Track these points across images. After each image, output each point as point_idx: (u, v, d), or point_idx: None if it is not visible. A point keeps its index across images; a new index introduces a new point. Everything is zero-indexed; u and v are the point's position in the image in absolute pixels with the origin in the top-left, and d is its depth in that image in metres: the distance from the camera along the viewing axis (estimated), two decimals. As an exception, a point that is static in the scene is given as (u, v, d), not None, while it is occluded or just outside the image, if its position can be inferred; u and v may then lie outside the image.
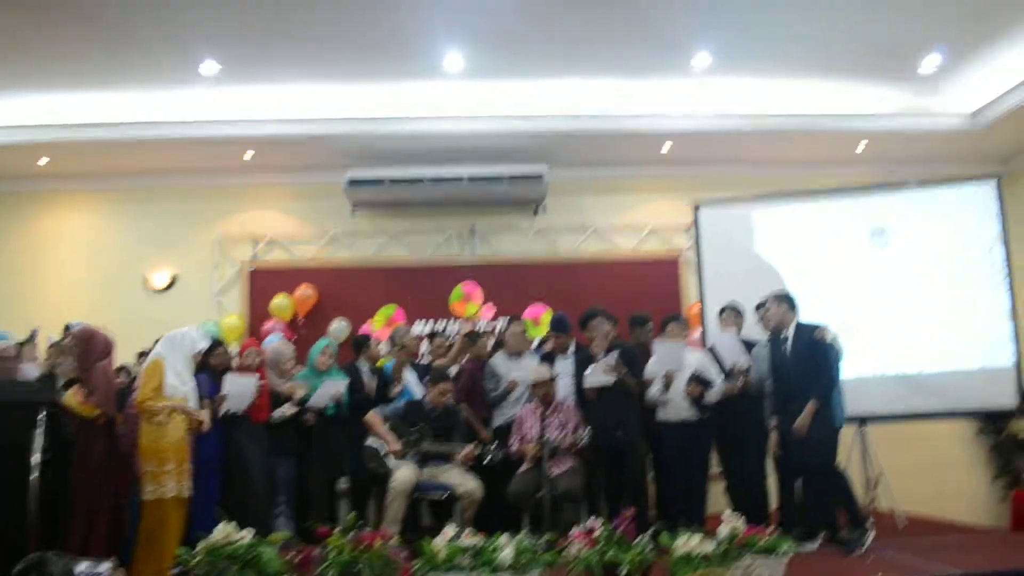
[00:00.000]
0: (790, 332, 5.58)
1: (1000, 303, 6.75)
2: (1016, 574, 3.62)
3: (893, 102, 7.94)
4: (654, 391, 5.82)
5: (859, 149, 8.41)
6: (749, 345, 6.04)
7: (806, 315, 5.66)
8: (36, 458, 4.80)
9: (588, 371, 5.73)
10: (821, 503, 5.54)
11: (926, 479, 7.47)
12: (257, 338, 7.26)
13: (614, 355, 5.71)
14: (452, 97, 7.62)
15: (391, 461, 5.78)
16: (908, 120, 8.05)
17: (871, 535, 5.25)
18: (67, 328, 5.84)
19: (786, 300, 5.65)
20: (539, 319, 8.02)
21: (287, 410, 5.77)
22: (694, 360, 5.90)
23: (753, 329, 6.20)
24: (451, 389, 6.05)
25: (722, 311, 6.30)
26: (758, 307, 6.09)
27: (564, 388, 6.05)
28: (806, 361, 5.43)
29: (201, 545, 4.14)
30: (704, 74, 7.39)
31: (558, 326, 6.34)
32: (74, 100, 7.39)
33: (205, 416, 5.21)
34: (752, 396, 5.88)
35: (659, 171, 8.74)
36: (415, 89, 7.53)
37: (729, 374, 5.88)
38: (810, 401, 5.30)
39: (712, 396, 5.80)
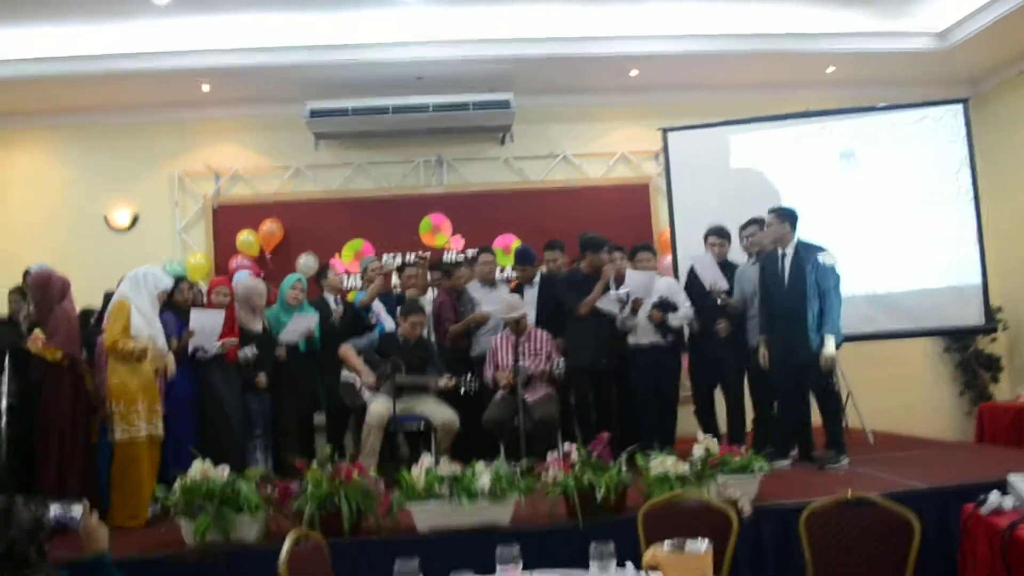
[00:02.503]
0: (789, 250, 5.51)
1: (967, 224, 6.81)
2: (984, 485, 3.71)
3: (861, 23, 7.84)
4: (620, 316, 5.84)
5: (828, 71, 8.34)
6: (731, 267, 6.04)
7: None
8: (2, 404, 4.73)
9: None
10: (800, 423, 5.62)
11: (894, 396, 7.64)
12: (227, 275, 7.15)
13: (626, 292, 5.72)
14: (414, 24, 7.41)
15: (366, 394, 5.78)
16: (876, 41, 7.95)
17: (846, 460, 5.35)
18: (27, 272, 5.69)
19: (788, 217, 5.54)
20: (509, 248, 7.99)
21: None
22: (662, 286, 5.92)
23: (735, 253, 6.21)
24: (423, 321, 6.03)
25: (708, 234, 6.23)
26: (744, 227, 6.08)
27: (531, 317, 6.07)
28: (803, 281, 5.38)
29: (178, 483, 4.13)
30: (672, -2, 7.26)
31: (523, 258, 6.41)
32: (22, 35, 7.10)
33: (171, 361, 5.15)
34: (733, 316, 5.90)
35: (627, 98, 8.62)
36: (376, 16, 7.33)
37: (707, 295, 5.89)
38: (828, 336, 5.29)
39: (675, 321, 5.84)
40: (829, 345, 5.30)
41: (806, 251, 5.48)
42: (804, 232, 5.62)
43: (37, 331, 4.99)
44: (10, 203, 8.15)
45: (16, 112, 8.02)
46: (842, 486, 3.48)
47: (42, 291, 5.03)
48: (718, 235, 6.20)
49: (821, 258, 5.42)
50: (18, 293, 5.94)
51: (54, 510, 2.47)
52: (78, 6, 6.81)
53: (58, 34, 7.12)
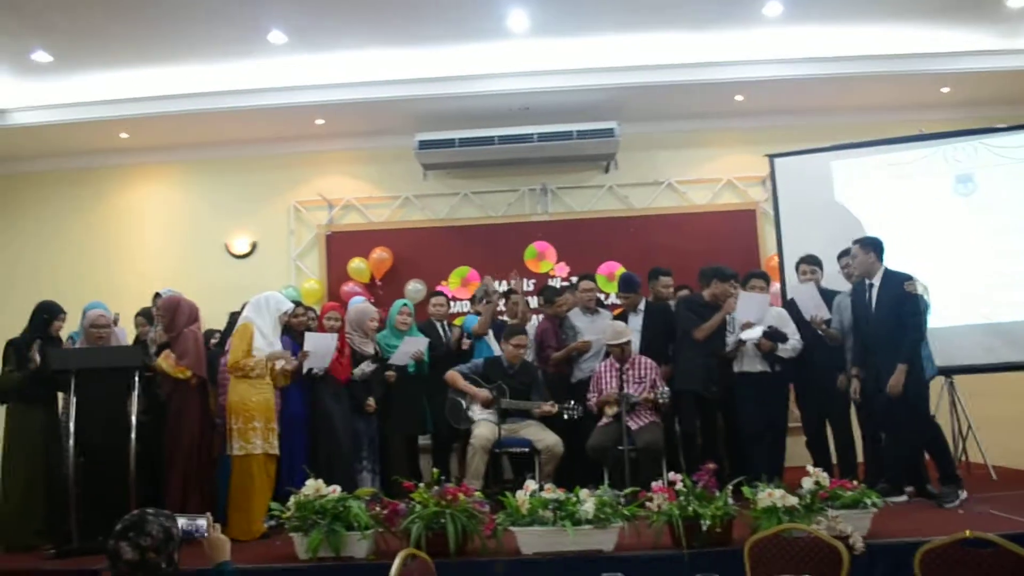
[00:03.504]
0: (876, 280, 5.42)
1: (1096, 248, 6.46)
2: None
3: (978, 41, 7.55)
4: (731, 341, 5.80)
5: (943, 91, 8.06)
6: (830, 295, 5.92)
7: (890, 266, 5.50)
8: (133, 420, 5.04)
9: (745, 332, 5.72)
10: (909, 456, 5.43)
11: (1017, 432, 7.25)
12: (338, 300, 7.41)
13: (760, 329, 5.69)
14: (519, 55, 7.55)
15: (474, 413, 5.89)
16: (993, 59, 7.63)
17: (964, 494, 5.15)
18: (157, 296, 6.06)
19: (872, 247, 5.47)
20: (613, 275, 8.00)
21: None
22: (772, 315, 5.83)
23: (834, 280, 6.07)
24: (526, 344, 6.11)
25: (799, 263, 6.16)
26: (840, 256, 5.96)
27: (635, 344, 6.06)
28: (891, 311, 5.29)
29: (292, 500, 4.31)
30: (776, 23, 7.16)
31: (627, 286, 6.40)
32: (149, 75, 7.55)
33: (288, 357, 5.40)
34: (834, 347, 5.78)
35: (732, 123, 8.55)
36: (481, 49, 7.49)
37: (808, 325, 5.79)
38: (899, 365, 5.16)
39: (784, 352, 5.74)
40: (897, 375, 5.15)
41: (892, 280, 5.37)
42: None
43: (167, 351, 5.31)
44: (141, 230, 8.69)
45: (146, 147, 8.55)
46: (961, 524, 3.36)
47: (172, 314, 5.39)
48: (809, 263, 6.09)
49: (906, 286, 5.30)
50: (143, 315, 6.32)
51: (182, 522, 2.63)
52: (199, 48, 7.20)
53: (183, 73, 7.55)
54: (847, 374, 5.67)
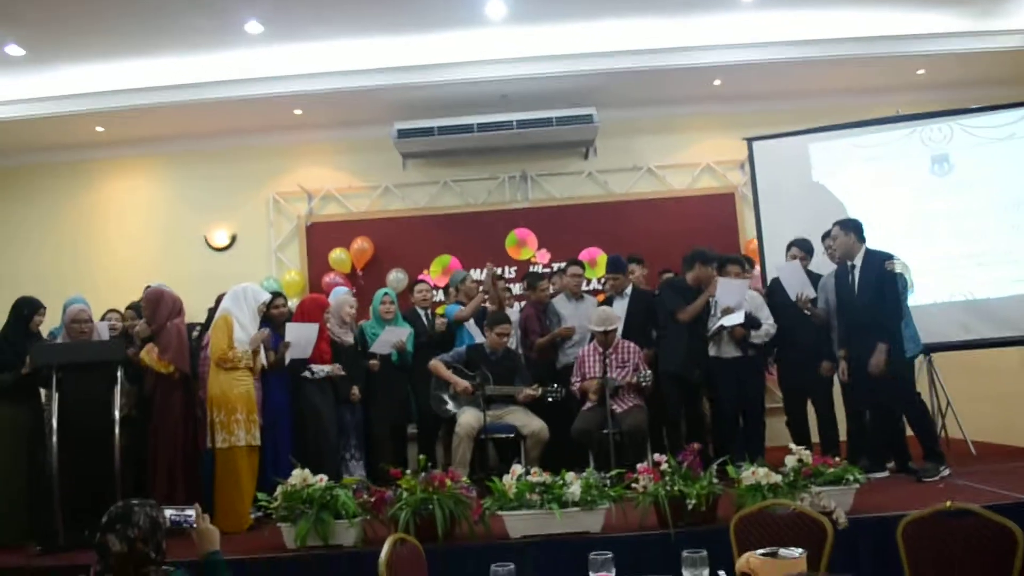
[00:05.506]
0: (858, 261, 5.49)
1: (1069, 225, 6.56)
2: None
3: (952, 23, 7.62)
4: (712, 326, 5.84)
5: (919, 73, 8.13)
6: (815, 277, 5.98)
7: (870, 245, 5.55)
8: (117, 414, 5.01)
9: (727, 318, 5.76)
10: (891, 432, 5.51)
11: (996, 406, 7.35)
12: (320, 291, 7.39)
13: (742, 314, 5.73)
14: (497, 43, 7.54)
15: (456, 404, 5.91)
16: (968, 41, 7.71)
17: (946, 471, 5.23)
18: (147, 289, 6.03)
19: (852, 227, 5.54)
20: (595, 261, 8.04)
21: (330, 370, 5.78)
22: (747, 301, 5.89)
23: (818, 261, 6.13)
24: (509, 331, 6.12)
25: (790, 245, 6.20)
26: (824, 237, 6.01)
27: (620, 328, 6.09)
28: (873, 291, 5.35)
29: (279, 490, 4.31)
30: (752, 8, 7.21)
31: (614, 267, 6.39)
32: (124, 68, 7.48)
33: (267, 332, 5.40)
34: (818, 327, 5.84)
35: (711, 108, 8.59)
36: (459, 37, 7.47)
37: (793, 304, 5.84)
38: (879, 344, 5.23)
39: (757, 338, 5.81)
40: (878, 354, 5.23)
41: (873, 260, 5.44)
42: (896, 241, 5.53)
43: (150, 344, 5.28)
44: (118, 225, 8.64)
45: (123, 140, 8.49)
46: (941, 497, 3.41)
47: (155, 307, 5.37)
48: (800, 247, 6.15)
49: (886, 265, 5.38)
50: (134, 309, 6.29)
51: (170, 513, 2.63)
52: (176, 39, 7.13)
53: (159, 65, 7.48)
54: (836, 356, 5.73)
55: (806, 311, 5.77)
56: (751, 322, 5.78)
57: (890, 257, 5.43)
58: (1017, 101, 6.93)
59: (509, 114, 7.90)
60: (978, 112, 6.91)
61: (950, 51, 7.76)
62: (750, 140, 7.30)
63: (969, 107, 7.02)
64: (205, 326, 5.79)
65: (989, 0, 7.27)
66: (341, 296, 6.26)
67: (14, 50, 6.98)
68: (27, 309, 5.51)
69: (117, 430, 4.99)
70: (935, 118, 6.98)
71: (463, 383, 5.89)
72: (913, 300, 5.99)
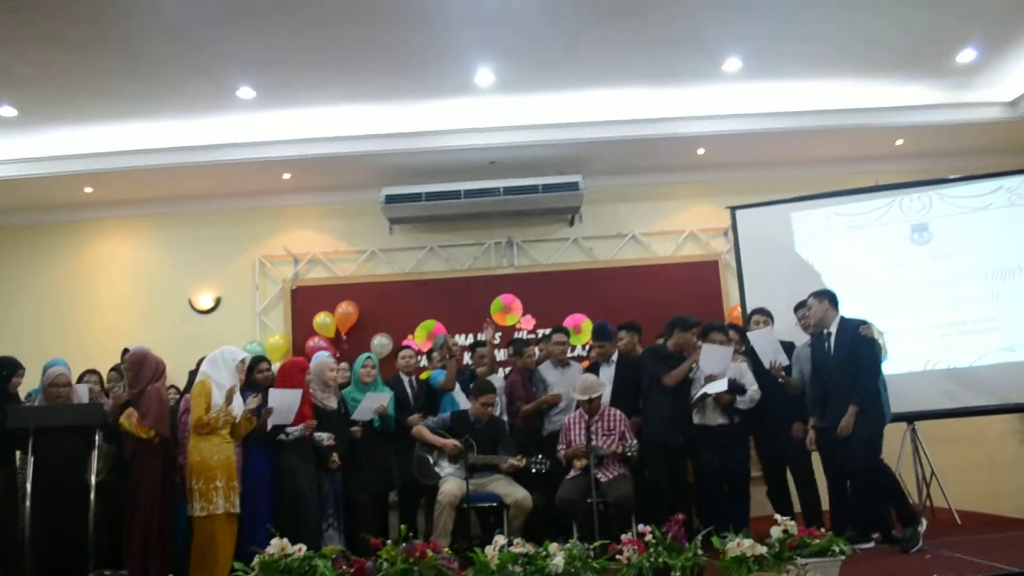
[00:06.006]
0: (833, 328, 5.55)
1: (1048, 294, 6.63)
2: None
3: (929, 95, 7.81)
4: (695, 394, 5.84)
5: (897, 144, 8.31)
6: (787, 347, 6.01)
7: (850, 314, 5.61)
8: (93, 479, 4.93)
9: (710, 385, 5.77)
10: (872, 502, 5.48)
11: (980, 476, 7.34)
12: (303, 356, 7.35)
13: (726, 381, 5.74)
14: (485, 111, 7.66)
15: (441, 469, 5.84)
16: (945, 113, 7.90)
17: (923, 528, 5.19)
18: (125, 352, 5.99)
19: (827, 297, 5.63)
20: (579, 327, 8.05)
21: (324, 438, 5.74)
22: (731, 367, 5.90)
23: (792, 331, 6.16)
24: (494, 400, 6.09)
25: (751, 314, 6.30)
26: (797, 308, 6.07)
27: (606, 395, 6.07)
28: (848, 358, 5.39)
29: (256, 560, 4.21)
30: (735, 79, 7.35)
31: (601, 335, 6.39)
32: (115, 130, 7.53)
33: (237, 402, 5.30)
34: (794, 397, 5.85)
35: (694, 176, 8.72)
36: (447, 105, 7.57)
37: (767, 372, 5.85)
38: (851, 406, 5.27)
39: (742, 404, 5.81)
40: (848, 417, 5.26)
41: (848, 327, 5.50)
42: (877, 309, 5.60)
43: (131, 409, 5.22)
44: (104, 286, 8.60)
45: (111, 201, 8.51)
46: (928, 569, 3.38)
47: (137, 370, 5.33)
48: (761, 313, 6.24)
49: (861, 330, 5.43)
50: (116, 371, 6.23)
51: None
52: (167, 102, 7.18)
53: (150, 128, 7.54)
54: (805, 424, 5.74)
55: (780, 379, 5.79)
56: (735, 388, 5.78)
57: (864, 323, 5.49)
58: (994, 172, 7.08)
59: (496, 181, 7.99)
60: (956, 182, 7.04)
61: (928, 123, 7.95)
62: (733, 208, 7.40)
63: (947, 177, 7.16)
64: (186, 389, 5.74)
65: (964, 73, 7.44)
66: (322, 359, 6.23)
67: (6, 111, 7.03)
68: (6, 370, 5.43)
69: (92, 495, 4.91)
70: (914, 187, 7.11)
71: (451, 441, 5.84)
72: (897, 368, 6.03)
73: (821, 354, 5.59)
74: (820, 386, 5.60)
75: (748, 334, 6.20)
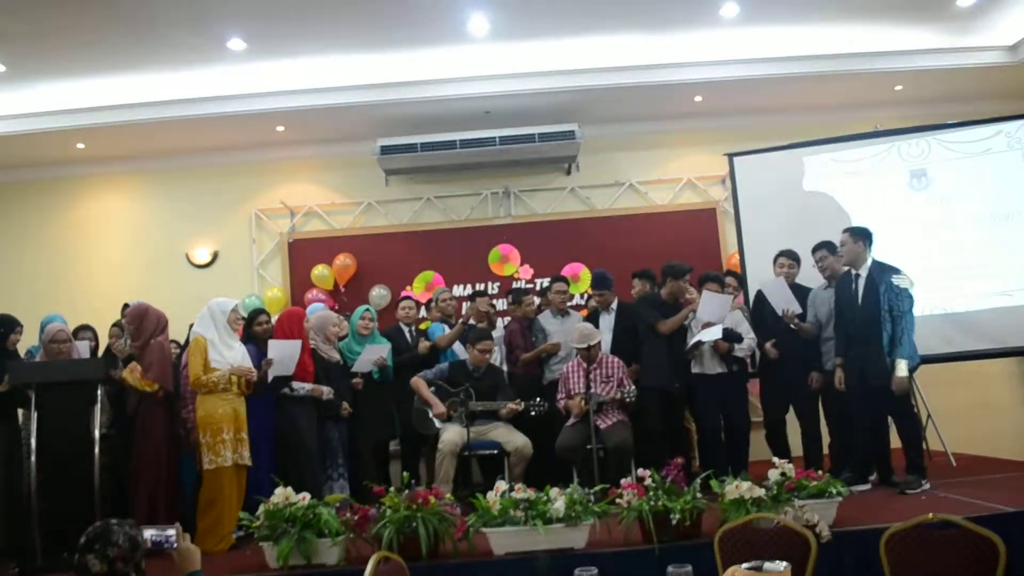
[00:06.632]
0: (863, 271, 5.46)
1: (1046, 239, 6.63)
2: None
3: (929, 40, 7.72)
4: (692, 341, 5.87)
5: (896, 89, 8.23)
6: (803, 290, 6.00)
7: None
8: (97, 433, 4.96)
9: (703, 333, 5.79)
10: (877, 446, 5.53)
11: (977, 419, 7.42)
12: (302, 308, 7.35)
13: (719, 329, 5.76)
14: (479, 60, 7.57)
15: (438, 422, 5.89)
16: (944, 57, 7.81)
17: (927, 484, 5.25)
18: (125, 307, 5.98)
19: (863, 236, 5.50)
20: (578, 276, 8.07)
21: (311, 388, 5.70)
22: (729, 316, 5.93)
23: (806, 273, 6.16)
24: (491, 348, 6.12)
25: (778, 256, 6.21)
26: (815, 250, 6.00)
27: (606, 343, 6.10)
28: (877, 302, 5.30)
29: (261, 509, 4.28)
30: (733, 24, 7.26)
31: (600, 283, 6.41)
32: (105, 84, 7.45)
33: (251, 370, 5.31)
34: (806, 341, 5.87)
35: (692, 124, 8.65)
36: (442, 54, 7.50)
37: (779, 319, 5.87)
38: (900, 361, 5.19)
39: (739, 352, 5.85)
40: (900, 369, 5.20)
41: (880, 272, 5.40)
42: (876, 253, 5.55)
43: (134, 363, 5.23)
44: (99, 243, 8.57)
45: (103, 157, 8.44)
46: (923, 509, 3.43)
47: (138, 324, 5.32)
48: (788, 256, 6.16)
49: (896, 280, 5.33)
50: (118, 327, 6.24)
51: (150, 533, 2.61)
52: (158, 55, 7.11)
53: (141, 82, 7.46)
54: (825, 368, 5.77)
55: (792, 326, 5.80)
56: (730, 336, 5.81)
57: (898, 271, 5.40)
58: (993, 117, 7.02)
59: (492, 130, 7.92)
60: (955, 127, 6.99)
61: (927, 67, 7.85)
62: (731, 155, 7.35)
63: (946, 123, 7.10)
64: (186, 343, 5.75)
65: (965, 17, 7.35)
66: (323, 314, 6.24)
67: (-5, 67, 6.95)
68: (3, 327, 5.44)
69: (97, 449, 4.95)
70: (913, 133, 7.06)
71: (440, 407, 5.89)
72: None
73: (847, 296, 5.51)
74: (844, 329, 5.54)
75: (760, 282, 6.20)
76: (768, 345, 5.92)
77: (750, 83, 7.90)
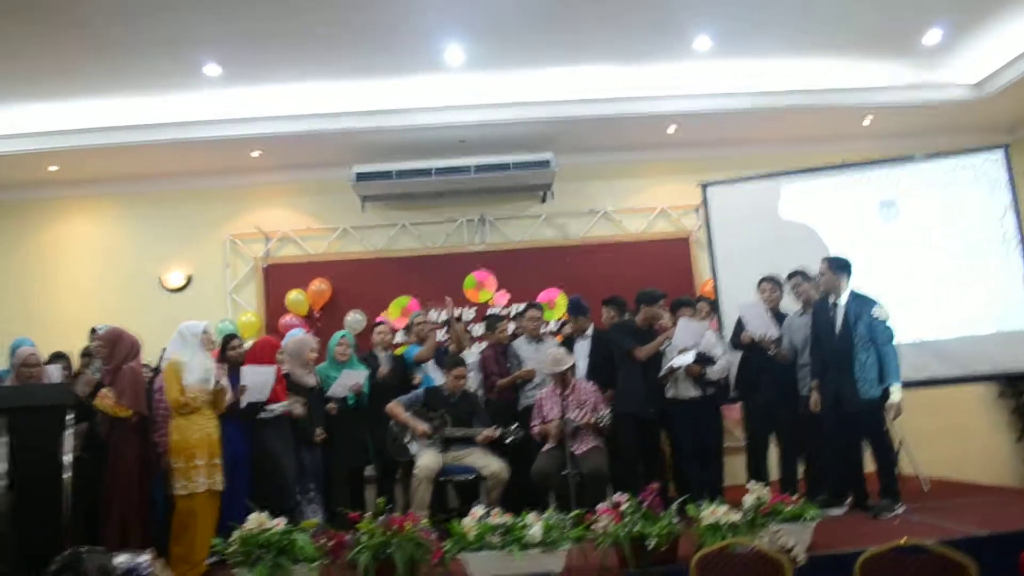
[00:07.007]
0: (841, 300, 5.58)
1: (1014, 269, 6.78)
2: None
3: (897, 75, 7.91)
4: (665, 368, 5.91)
5: (865, 123, 8.41)
6: (780, 316, 6.08)
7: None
8: (67, 458, 4.88)
9: (676, 359, 5.83)
10: (851, 470, 5.59)
11: (949, 443, 7.51)
12: (277, 333, 7.32)
13: (692, 354, 5.81)
14: (455, 89, 7.64)
15: (414, 447, 5.87)
16: (913, 93, 8.01)
17: (901, 508, 5.31)
18: (93, 331, 5.91)
19: (842, 267, 5.63)
20: (553, 302, 8.10)
21: (286, 405, 5.70)
22: (703, 339, 5.98)
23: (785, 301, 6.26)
24: (465, 375, 6.13)
25: (761, 281, 6.28)
26: (790, 276, 6.11)
27: (582, 369, 6.13)
28: (853, 331, 5.44)
29: (236, 535, 4.23)
30: (706, 57, 7.38)
31: (576, 309, 6.45)
32: (80, 107, 7.41)
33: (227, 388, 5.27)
34: (784, 366, 5.93)
35: (665, 154, 8.76)
36: (418, 83, 7.54)
37: (757, 344, 5.92)
38: (895, 385, 5.36)
39: (712, 375, 5.89)
40: (895, 394, 5.35)
41: (858, 303, 5.54)
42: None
43: (105, 389, 5.17)
44: (71, 266, 8.46)
45: (78, 180, 8.37)
46: (897, 534, 3.45)
47: (112, 349, 5.25)
48: (771, 282, 6.24)
49: (875, 312, 5.48)
50: (87, 355, 6.15)
51: (123, 559, 2.58)
52: (133, 79, 7.07)
53: (116, 106, 7.42)
54: (800, 393, 5.86)
55: (769, 351, 5.87)
56: (703, 359, 5.86)
57: (876, 303, 5.53)
58: (957, 149, 7.21)
59: (467, 158, 7.97)
60: (922, 160, 7.14)
61: (895, 103, 8.06)
62: (704, 185, 7.45)
63: (912, 155, 7.25)
64: (159, 367, 5.69)
65: (932, 54, 7.55)
66: (301, 337, 6.21)
67: (-32, 87, 6.89)
68: (-28, 351, 5.37)
69: (66, 476, 4.86)
70: (880, 165, 7.21)
71: (422, 426, 5.87)
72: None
73: (824, 324, 5.62)
74: (820, 355, 5.65)
75: (738, 306, 6.27)
76: (772, 345, 5.94)
77: (723, 115, 8.03)
